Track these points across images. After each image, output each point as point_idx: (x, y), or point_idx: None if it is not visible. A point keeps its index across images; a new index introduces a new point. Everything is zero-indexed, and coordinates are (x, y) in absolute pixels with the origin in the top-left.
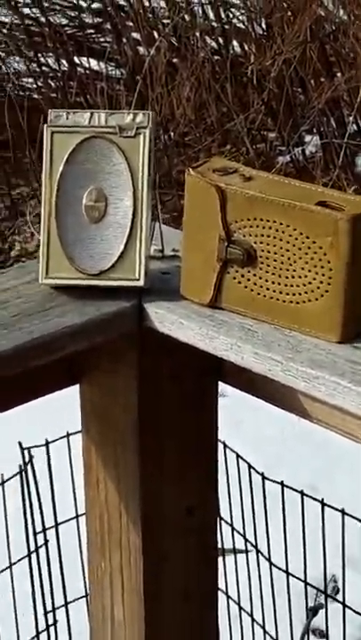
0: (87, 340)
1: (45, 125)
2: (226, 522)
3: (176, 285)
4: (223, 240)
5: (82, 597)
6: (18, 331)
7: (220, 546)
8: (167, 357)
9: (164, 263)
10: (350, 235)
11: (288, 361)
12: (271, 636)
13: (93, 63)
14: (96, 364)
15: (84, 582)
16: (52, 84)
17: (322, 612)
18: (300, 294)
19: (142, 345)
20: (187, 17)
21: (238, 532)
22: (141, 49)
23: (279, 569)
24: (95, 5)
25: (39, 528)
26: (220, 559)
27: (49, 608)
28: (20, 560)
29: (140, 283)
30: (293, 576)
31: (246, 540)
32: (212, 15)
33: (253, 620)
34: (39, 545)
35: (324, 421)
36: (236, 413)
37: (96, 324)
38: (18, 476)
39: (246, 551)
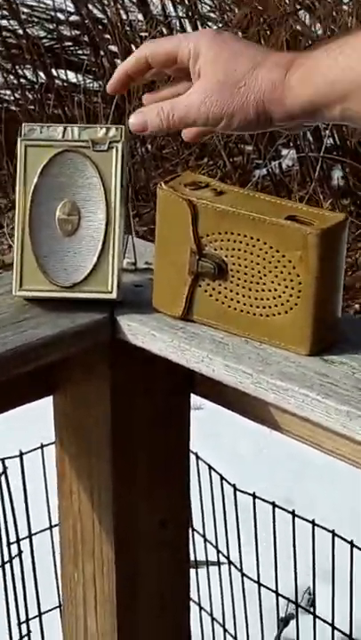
0: (60, 352)
1: (19, 139)
2: (199, 533)
3: (148, 298)
4: (194, 253)
5: (55, 608)
6: None
7: (192, 558)
8: (140, 369)
9: (136, 276)
10: (319, 249)
11: (258, 373)
12: None
13: (71, 75)
14: (69, 376)
15: (58, 593)
16: (30, 96)
17: (293, 623)
18: (270, 307)
19: (115, 357)
20: (164, 30)
21: (211, 544)
22: (119, 61)
23: (251, 580)
24: (73, 18)
25: (13, 539)
26: (192, 571)
27: (23, 619)
28: None
29: (113, 295)
30: (265, 587)
31: (219, 552)
32: (189, 28)
33: (226, 630)
34: (13, 556)
35: (294, 433)
36: (213, 426)
37: (69, 336)
38: None
39: (219, 563)
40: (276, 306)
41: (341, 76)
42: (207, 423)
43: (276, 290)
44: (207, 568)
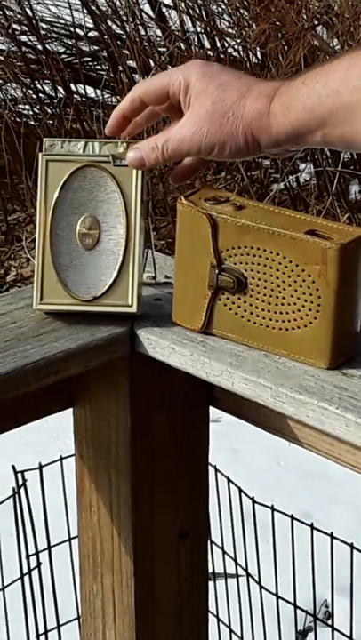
0: (81, 366)
1: (40, 154)
2: (217, 545)
3: (168, 311)
4: (214, 267)
5: (74, 620)
6: (13, 355)
7: (210, 570)
8: (159, 382)
9: (156, 289)
10: (339, 263)
11: (278, 387)
12: None
13: (90, 90)
14: (90, 389)
15: (76, 605)
16: (49, 110)
17: (311, 636)
18: (289, 321)
19: (135, 370)
20: (182, 46)
21: (229, 556)
22: (137, 77)
23: (270, 592)
24: (92, 34)
25: (32, 551)
26: (210, 583)
27: (41, 630)
28: (12, 582)
29: (133, 309)
30: (283, 599)
31: (237, 564)
32: (207, 44)
33: None
34: (32, 567)
35: (313, 446)
36: (230, 439)
37: (89, 350)
38: (11, 499)
39: (237, 575)
40: (295, 320)
41: (318, 104)
42: (224, 436)
43: (295, 304)
44: (225, 580)
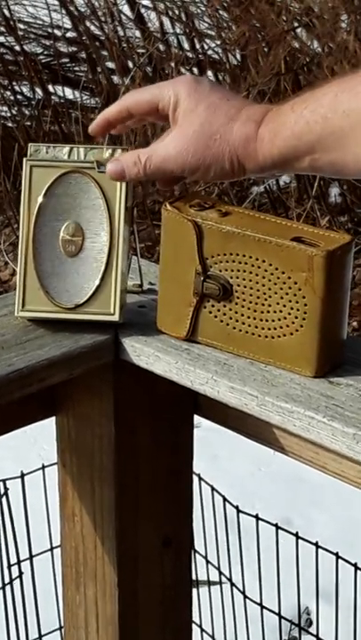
0: (65, 373)
1: (24, 159)
2: (200, 554)
3: (152, 319)
4: (199, 274)
5: (56, 630)
6: None
7: (194, 578)
8: (143, 390)
9: (140, 296)
10: (325, 270)
11: (264, 395)
12: None
13: (68, 92)
14: (73, 397)
15: (59, 615)
16: (27, 112)
17: None
18: (275, 329)
19: (119, 378)
20: (161, 47)
21: (212, 565)
22: (116, 78)
23: (253, 602)
24: (70, 34)
25: (13, 560)
26: (193, 591)
27: None
28: None
29: (115, 317)
30: (267, 609)
31: (220, 573)
32: (186, 46)
33: None
34: (13, 577)
35: (298, 455)
36: (210, 445)
37: (73, 357)
38: None
39: (220, 583)
40: (281, 327)
41: (307, 130)
42: (204, 441)
43: (281, 311)
44: (209, 588)
